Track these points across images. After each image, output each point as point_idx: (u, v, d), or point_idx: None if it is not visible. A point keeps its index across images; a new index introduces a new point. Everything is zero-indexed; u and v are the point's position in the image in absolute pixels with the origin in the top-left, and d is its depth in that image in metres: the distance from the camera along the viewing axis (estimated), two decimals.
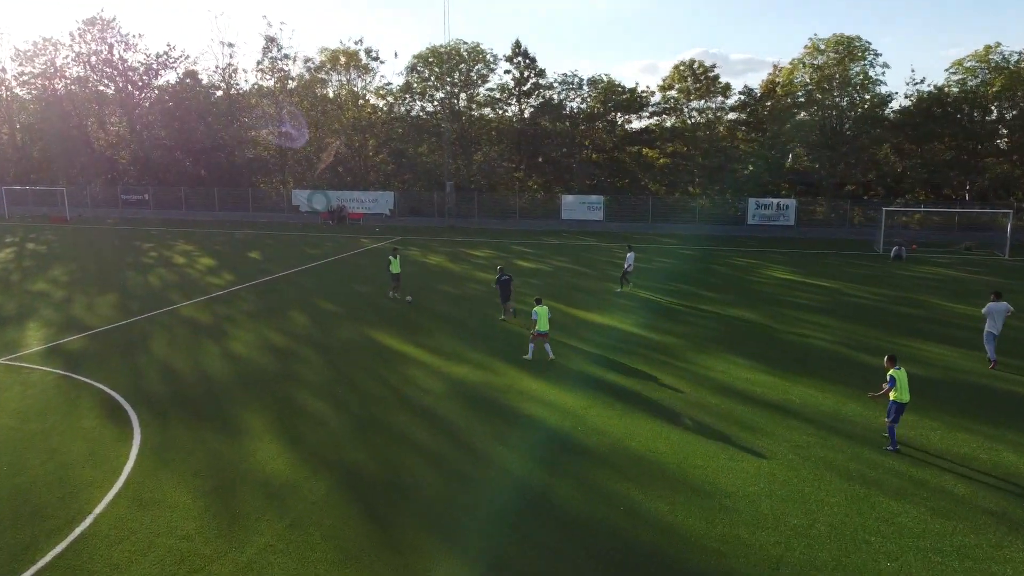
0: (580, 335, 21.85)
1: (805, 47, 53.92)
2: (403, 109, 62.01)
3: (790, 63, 55.28)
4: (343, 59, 60.06)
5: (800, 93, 54.13)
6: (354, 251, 40.13)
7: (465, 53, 59.37)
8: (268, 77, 63.77)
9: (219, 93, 67.57)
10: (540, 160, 59.41)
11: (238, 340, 21.12)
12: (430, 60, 58.82)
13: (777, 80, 59.04)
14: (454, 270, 33.72)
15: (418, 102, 61.60)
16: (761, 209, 49.67)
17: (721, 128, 58.82)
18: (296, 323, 23.33)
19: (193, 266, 34.70)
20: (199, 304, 26.04)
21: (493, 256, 38.50)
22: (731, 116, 59.52)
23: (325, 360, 19.20)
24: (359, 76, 61.64)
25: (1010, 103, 51.00)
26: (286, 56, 63.27)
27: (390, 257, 27.10)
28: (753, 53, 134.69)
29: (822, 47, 52.47)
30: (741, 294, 28.31)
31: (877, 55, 51.96)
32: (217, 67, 68.60)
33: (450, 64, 58.56)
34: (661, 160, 60.59)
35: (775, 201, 49.92)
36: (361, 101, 62.59)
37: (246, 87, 66.61)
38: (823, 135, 55.09)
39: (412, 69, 60.06)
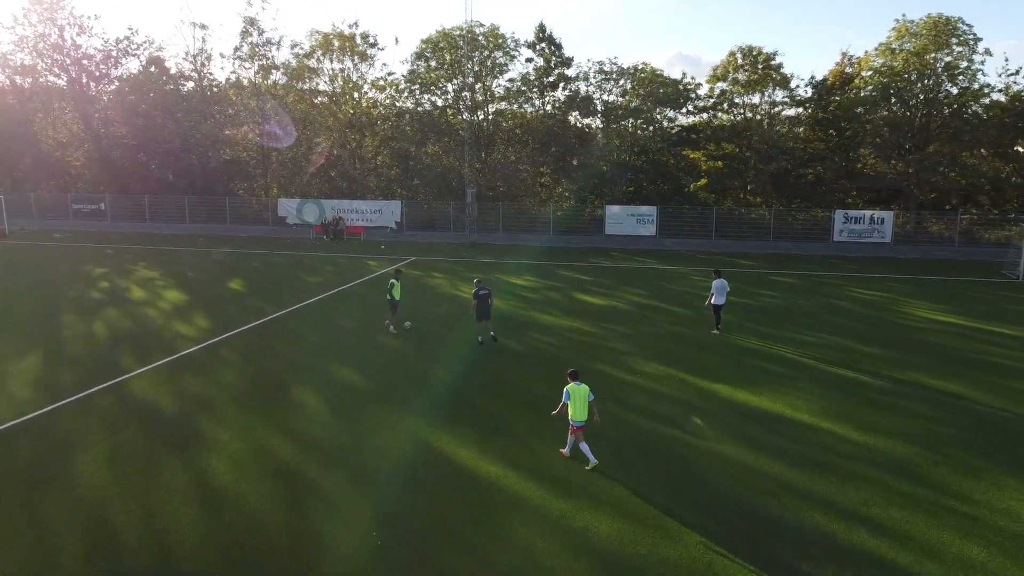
0: (732, 427, 14.58)
1: (892, 30, 47.20)
2: (409, 103, 54.49)
3: (876, 49, 48.39)
4: (337, 44, 52.51)
5: (879, 85, 47.22)
6: (363, 278, 32.64)
7: (481, 38, 52.03)
8: (248, 66, 56.13)
9: (190, 84, 59.87)
10: (575, 163, 52.00)
11: (219, 455, 13.62)
12: (441, 45, 51.35)
13: (845, 70, 52.39)
14: (505, 310, 26.40)
15: (428, 95, 54.04)
16: (850, 223, 42.78)
17: (782, 127, 51.89)
18: (306, 414, 15.86)
19: (155, 303, 27.05)
20: (160, 373, 18.49)
21: (542, 287, 31.19)
22: (790, 112, 52.69)
23: (362, 494, 11.79)
24: (356, 64, 54.06)
25: None
26: (269, 41, 55.72)
27: (393, 281, 22.74)
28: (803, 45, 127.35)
29: (913, 30, 45.65)
30: (916, 351, 21.20)
31: (978, 40, 45.29)
32: (187, 54, 60.79)
33: (465, 50, 51.16)
34: (708, 164, 53.56)
35: (867, 214, 43.06)
36: (358, 94, 55.01)
37: (222, 77, 58.88)
38: (906, 134, 48.41)
39: (420, 56, 52.58)
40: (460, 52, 50.82)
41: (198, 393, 17.01)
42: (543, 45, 54.29)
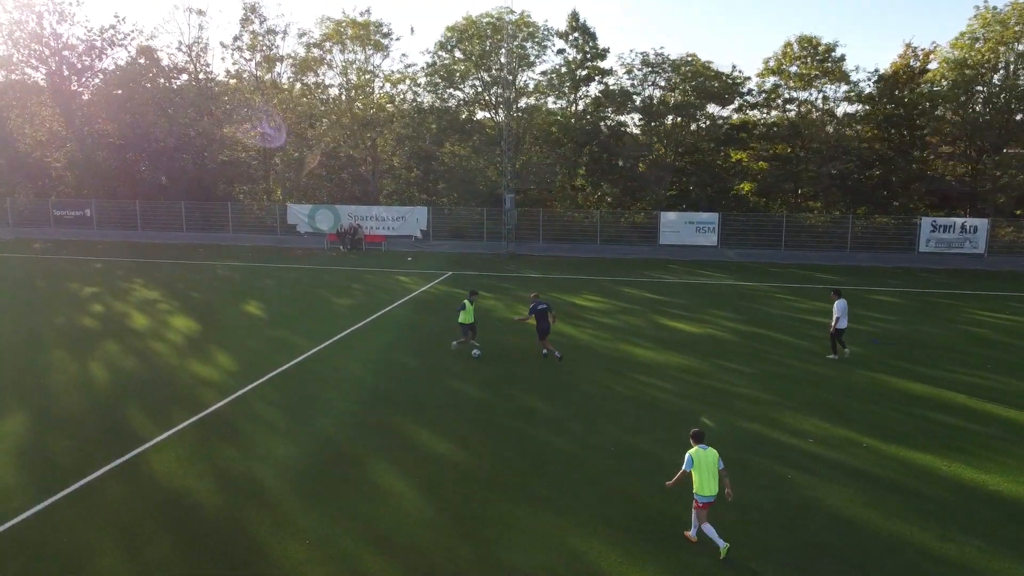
0: (989, 529, 10.63)
1: (973, 18, 43.59)
2: (430, 98, 50.38)
3: (954, 40, 44.67)
4: (351, 32, 48.38)
5: (957, 78, 43.56)
6: (400, 299, 28.50)
7: (511, 27, 47.93)
8: (248, 57, 51.90)
9: (184, 77, 55.49)
10: (620, 163, 47.99)
11: None
12: (469, 32, 47.27)
13: (910, 63, 48.69)
14: (585, 341, 22.32)
15: (452, 89, 49.93)
16: (938, 232, 38.99)
17: (842, 125, 48.13)
18: (398, 507, 11.83)
19: (162, 334, 22.85)
20: (185, 441, 14.39)
21: (613, 308, 27.18)
22: (851, 108, 48.99)
23: None
24: (370, 55, 49.96)
25: None
26: (272, 30, 51.51)
27: (466, 302, 20.64)
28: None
29: (1000, 17, 42.00)
30: None
31: None
32: (181, 44, 56.46)
33: (494, 40, 47.17)
34: (758, 164, 49.80)
35: (958, 221, 39.29)
36: (372, 88, 50.90)
37: (221, 70, 54.53)
38: (984, 133, 44.81)
39: (444, 46, 48.48)
40: (489, 41, 46.79)
41: (241, 474, 12.89)
42: (576, 35, 50.47)
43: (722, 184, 49.63)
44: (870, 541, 10.86)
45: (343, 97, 51.20)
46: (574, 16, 50.26)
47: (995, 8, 42.88)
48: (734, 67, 50.39)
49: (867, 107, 47.56)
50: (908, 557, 10.45)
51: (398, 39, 55.07)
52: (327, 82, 52.99)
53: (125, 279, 32.61)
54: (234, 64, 53.45)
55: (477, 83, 48.95)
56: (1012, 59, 42.81)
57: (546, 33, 48.84)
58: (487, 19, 47.03)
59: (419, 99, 50.36)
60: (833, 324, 20.21)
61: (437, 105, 49.63)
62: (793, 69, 47.49)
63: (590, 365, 19.78)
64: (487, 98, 49.39)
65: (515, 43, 47.01)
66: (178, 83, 55.13)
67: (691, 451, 10.70)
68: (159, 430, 14.84)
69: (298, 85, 50.53)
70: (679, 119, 49.81)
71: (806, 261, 39.00)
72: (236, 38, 52.66)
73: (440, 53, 48.78)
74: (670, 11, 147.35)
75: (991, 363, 20.27)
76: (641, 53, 48.24)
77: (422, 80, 49.77)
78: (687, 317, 25.78)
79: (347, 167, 51.23)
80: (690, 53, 47.78)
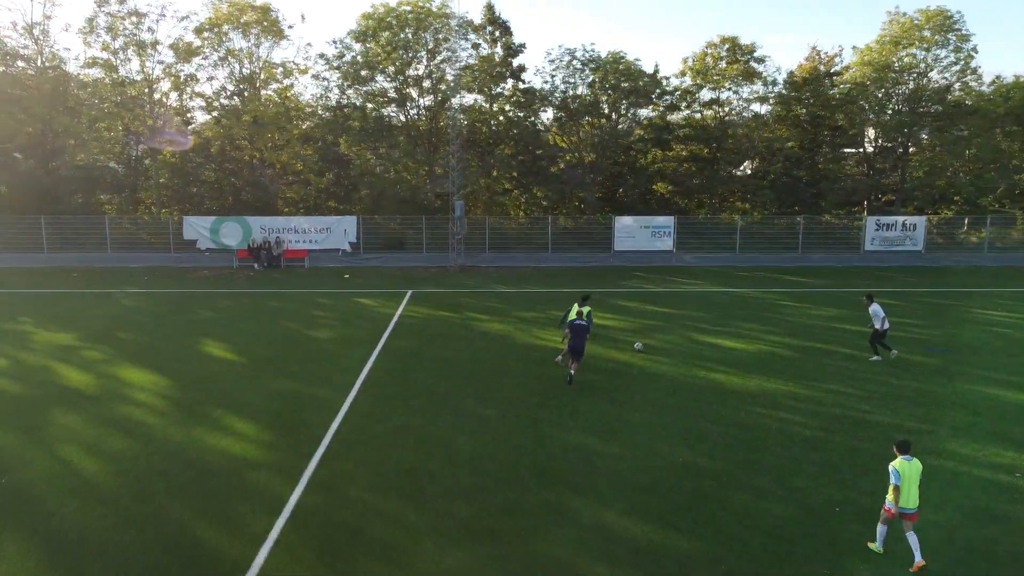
0: None
1: (886, 23, 45.74)
2: (345, 95, 45.74)
3: (869, 45, 46.58)
4: (248, 17, 42.77)
5: (870, 80, 45.61)
6: (386, 326, 24.61)
7: (434, 20, 44.32)
8: (111, 43, 44.53)
9: (20, 65, 46.79)
10: (547, 166, 45.95)
11: None
12: (388, 21, 43.20)
13: (818, 65, 50.62)
14: (672, 374, 20.05)
15: (372, 84, 45.56)
16: (882, 231, 40.24)
17: (763, 126, 49.03)
18: None
19: (127, 396, 17.88)
20: (316, 558, 10.50)
21: (638, 327, 25.01)
22: (768, 109, 50.05)
23: None
24: (272, 46, 44.58)
25: None
26: (136, 12, 44.44)
27: (579, 307, 19.50)
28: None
29: (916, 21, 44.30)
30: None
31: (967, 37, 44.72)
32: (17, 25, 47.71)
33: (416, 31, 43.56)
34: (683, 165, 49.69)
35: (899, 220, 40.74)
36: (271, 80, 45.49)
37: (75, 56, 46.55)
38: (893, 134, 47.39)
39: (360, 37, 44.00)
40: (410, 31, 43.08)
41: None
42: (492, 29, 47.95)
43: (648, 185, 49.12)
44: None
45: (232, 90, 45.33)
46: (489, 8, 47.69)
47: (905, 13, 45.34)
48: (656, 67, 50.09)
49: (783, 109, 48.73)
50: None
51: (291, 27, 49.73)
52: (213, 74, 46.96)
53: (7, 317, 26.07)
54: (87, 50, 45.31)
55: (400, 78, 44.92)
56: (922, 61, 45.33)
57: (462, 28, 45.73)
58: (407, 6, 43.21)
59: (330, 95, 45.63)
60: (879, 326, 20.54)
61: (353, 102, 45.16)
62: (717, 69, 47.64)
63: (683, 398, 17.47)
64: (411, 94, 45.56)
65: (440, 35, 43.67)
66: (14, 70, 46.40)
67: (895, 463, 10.48)
68: (252, 548, 10.78)
69: (182, 75, 43.99)
70: (604, 119, 48.62)
71: (765, 264, 38.93)
72: (90, 20, 45.08)
73: (353, 44, 44.33)
74: (583, 8, 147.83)
75: None
76: (569, 50, 46.46)
77: (333, 75, 45.05)
78: (722, 332, 24.13)
79: (237, 172, 45.35)
80: (617, 51, 46.61)
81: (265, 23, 42.95)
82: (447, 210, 42.33)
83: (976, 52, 45.05)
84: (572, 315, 19.40)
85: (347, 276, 35.04)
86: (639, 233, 40.42)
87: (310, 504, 12.20)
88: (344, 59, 44.60)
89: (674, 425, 15.83)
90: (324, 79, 45.34)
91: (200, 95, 46.37)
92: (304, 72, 45.43)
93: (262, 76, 45.16)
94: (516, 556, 10.78)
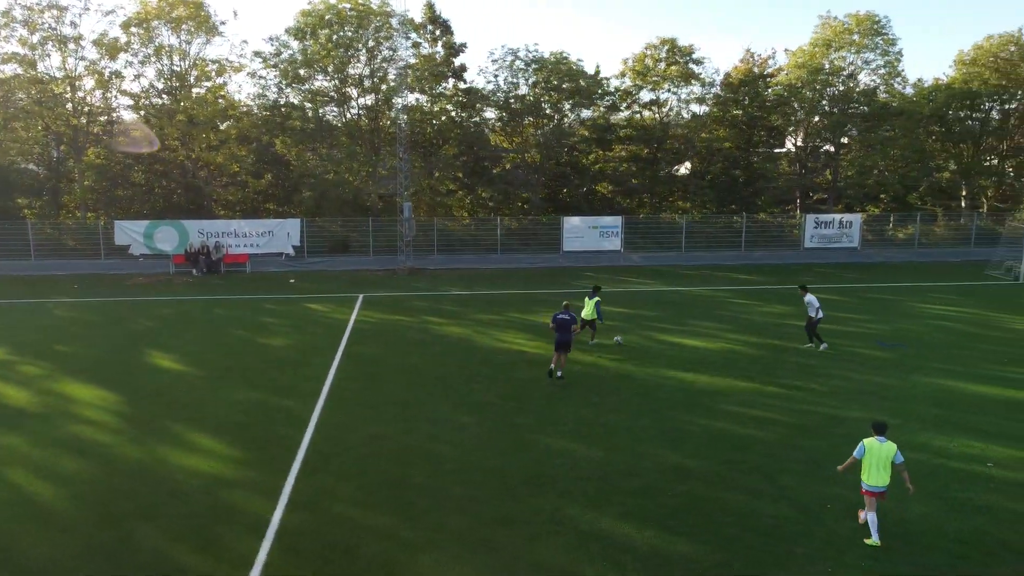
0: None
1: (818, 26, 47.21)
2: (285, 94, 44.37)
3: (802, 48, 47.96)
4: (179, 12, 40.98)
5: (803, 81, 46.99)
6: (343, 332, 23.89)
7: (376, 18, 43.39)
8: (28, 37, 42.02)
9: None
10: (491, 167, 45.64)
11: None
12: (328, 19, 42.07)
13: (752, 67, 51.90)
14: (639, 376, 20.02)
15: (312, 83, 44.30)
16: (821, 228, 41.46)
17: (702, 126, 49.89)
18: None
19: (75, 414, 16.77)
20: None
21: (598, 328, 24.93)
22: (705, 109, 50.97)
23: None
24: (204, 43, 42.84)
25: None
26: (55, 6, 42.07)
27: (590, 299, 21.71)
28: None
29: (842, 27, 45.84)
30: None
31: (894, 41, 46.60)
32: None
33: (354, 27, 42.60)
34: (623, 165, 50.16)
35: (836, 218, 42.09)
36: (205, 78, 43.75)
37: None
38: (824, 134, 48.99)
39: (298, 34, 42.70)
40: (350, 28, 42.09)
41: None
42: (432, 27, 47.40)
43: (592, 185, 49.42)
44: None
45: (162, 88, 43.42)
46: (430, 6, 47.12)
47: (836, 17, 46.86)
48: (598, 67, 50.41)
49: (720, 110, 49.72)
50: None
51: (224, 23, 47.89)
52: (141, 71, 44.86)
53: None
54: (3, 45, 42.55)
55: (340, 77, 43.83)
56: (851, 64, 47.02)
57: (403, 25, 44.98)
58: (346, 3, 42.19)
59: (267, 94, 44.15)
60: (813, 315, 21.68)
61: (292, 101, 43.88)
62: (657, 70, 48.20)
63: (657, 399, 17.49)
64: (351, 94, 44.53)
65: (381, 34, 42.83)
66: None
67: (866, 440, 11.19)
68: (240, 572, 10.16)
69: (107, 72, 41.83)
70: (547, 120, 48.62)
71: (711, 262, 39.64)
72: (6, 12, 42.44)
73: (291, 42, 43.02)
74: (526, 9, 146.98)
75: (1001, 356, 21.08)
76: (512, 50, 46.27)
77: (271, 73, 43.61)
78: (681, 331, 24.36)
79: (172, 173, 43.46)
80: (560, 52, 46.67)
81: (197, 19, 41.23)
82: (391, 211, 41.60)
83: (902, 56, 47.13)
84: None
85: (293, 281, 33.99)
86: (588, 233, 40.60)
87: (296, 523, 11.58)
88: (282, 57, 43.29)
89: (653, 426, 15.77)
90: (261, 77, 43.95)
91: (127, 93, 44.34)
92: (239, 70, 43.86)
93: (194, 74, 43.40)
94: (519, 567, 10.48)
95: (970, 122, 49.05)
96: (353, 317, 26.39)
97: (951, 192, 52.03)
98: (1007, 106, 48.36)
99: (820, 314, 21.77)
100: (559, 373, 18.67)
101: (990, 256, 37.34)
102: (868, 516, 11.08)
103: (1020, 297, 30.37)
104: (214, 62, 43.40)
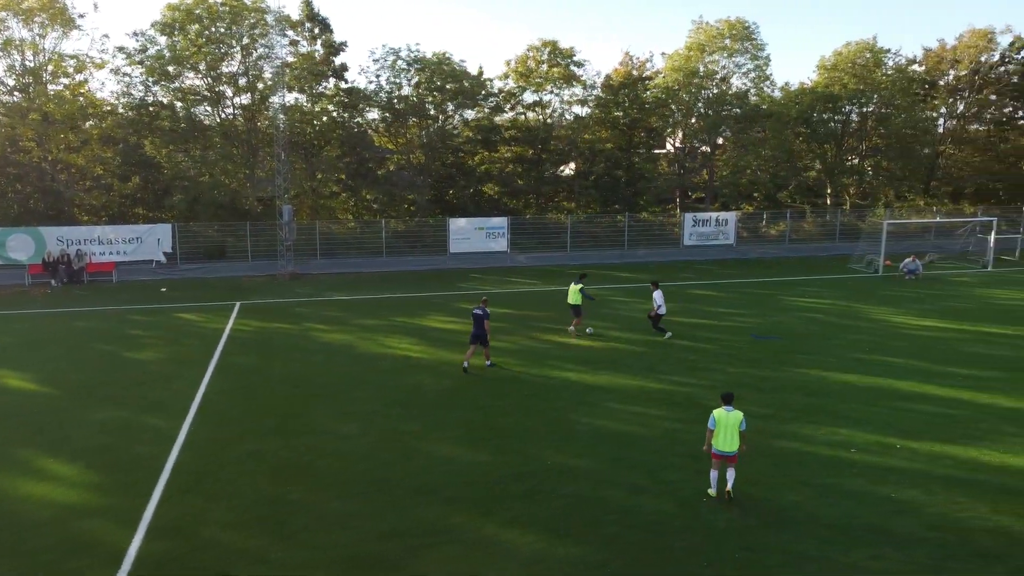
0: None
1: (692, 30, 48.99)
2: (151, 92, 41.83)
3: (678, 51, 49.58)
4: (30, 3, 37.90)
5: (678, 84, 48.69)
6: (218, 342, 22.73)
7: (250, 14, 41.58)
8: None
9: None
10: (374, 167, 44.72)
11: None
12: (198, 13, 40.00)
13: (631, 70, 53.35)
14: (534, 380, 19.92)
15: (181, 81, 41.97)
16: (699, 226, 42.95)
17: (583, 127, 50.74)
18: None
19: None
20: None
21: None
22: (587, 111, 51.92)
23: None
24: (60, 36, 39.78)
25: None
26: None
27: (575, 285, 23.52)
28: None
29: (713, 31, 47.75)
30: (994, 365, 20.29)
31: (762, 46, 49.01)
32: None
33: (227, 22, 40.75)
34: (507, 167, 50.41)
35: (713, 216, 43.70)
36: (62, 75, 40.72)
37: None
38: (700, 134, 50.95)
39: (165, 29, 40.34)
40: (222, 25, 40.22)
41: None
42: (311, 25, 46.11)
43: (478, 186, 49.38)
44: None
45: (13, 85, 40.14)
46: (307, 4, 45.78)
47: (708, 22, 48.84)
48: (481, 68, 50.39)
49: (602, 111, 50.77)
50: None
51: (83, 16, 44.56)
52: None
53: None
54: None
55: (213, 75, 41.79)
56: (724, 68, 49.08)
57: (278, 23, 43.40)
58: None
59: (133, 92, 41.51)
60: (655, 310, 23.41)
61: (160, 100, 41.47)
62: (540, 72, 48.67)
63: (545, 400, 17.51)
64: (225, 92, 42.56)
65: (256, 31, 41.16)
66: None
67: (716, 411, 12.17)
68: None
69: None
70: (431, 120, 48.18)
71: (596, 261, 40.28)
72: None
73: (157, 38, 40.63)
74: (407, 8, 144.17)
75: (864, 345, 22.41)
76: (393, 50, 45.56)
77: (136, 70, 41.02)
78: (565, 331, 24.52)
79: (27, 176, 40.21)
80: (442, 52, 46.36)
81: (51, 11, 38.31)
82: (270, 215, 40.09)
83: (770, 60, 49.69)
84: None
85: (164, 289, 32.14)
86: (474, 235, 40.50)
87: (158, 551, 10.77)
88: (148, 53, 40.83)
89: (542, 428, 15.74)
90: (126, 75, 41.26)
91: None
92: (101, 67, 41.06)
93: (50, 69, 40.31)
94: None
95: (832, 124, 52.23)
96: (229, 326, 25.18)
97: (817, 190, 55.30)
98: (864, 109, 51.80)
99: (663, 309, 23.51)
100: (465, 364, 19.67)
101: (853, 250, 39.81)
102: (712, 473, 12.35)
103: (880, 288, 32.45)
104: (72, 57, 40.48)
